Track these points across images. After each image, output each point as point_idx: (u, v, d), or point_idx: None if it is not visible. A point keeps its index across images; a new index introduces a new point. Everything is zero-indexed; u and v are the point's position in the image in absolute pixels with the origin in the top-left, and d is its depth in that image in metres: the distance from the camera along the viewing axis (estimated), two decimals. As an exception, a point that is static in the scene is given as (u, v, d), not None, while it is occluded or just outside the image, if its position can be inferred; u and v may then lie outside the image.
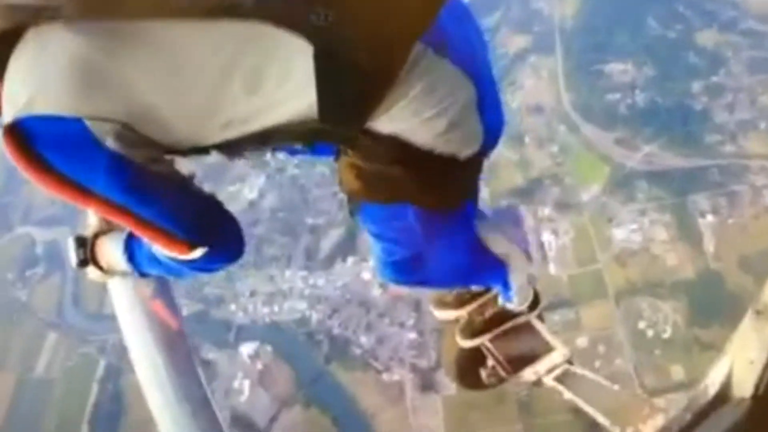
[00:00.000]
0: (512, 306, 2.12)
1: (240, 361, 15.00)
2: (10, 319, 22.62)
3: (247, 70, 1.22)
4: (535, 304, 2.23)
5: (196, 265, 1.39)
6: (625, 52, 16.24)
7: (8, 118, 1.22)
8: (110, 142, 1.22)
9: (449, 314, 2.35)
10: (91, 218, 1.71)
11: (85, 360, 18.63)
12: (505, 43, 16.61)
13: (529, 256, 1.99)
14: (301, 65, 1.20)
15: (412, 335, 13.79)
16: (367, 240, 1.67)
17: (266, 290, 15.31)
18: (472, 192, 1.63)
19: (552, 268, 13.55)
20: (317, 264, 15.26)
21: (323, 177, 16.48)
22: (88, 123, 1.20)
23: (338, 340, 14.44)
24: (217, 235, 1.37)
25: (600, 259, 13.92)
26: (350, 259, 15.03)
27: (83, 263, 1.65)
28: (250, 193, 15.44)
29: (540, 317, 2.27)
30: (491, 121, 1.43)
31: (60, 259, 23.37)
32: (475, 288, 2.24)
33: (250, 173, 15.51)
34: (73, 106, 1.20)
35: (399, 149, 1.33)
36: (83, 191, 1.24)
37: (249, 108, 1.25)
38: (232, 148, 1.34)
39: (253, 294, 15.52)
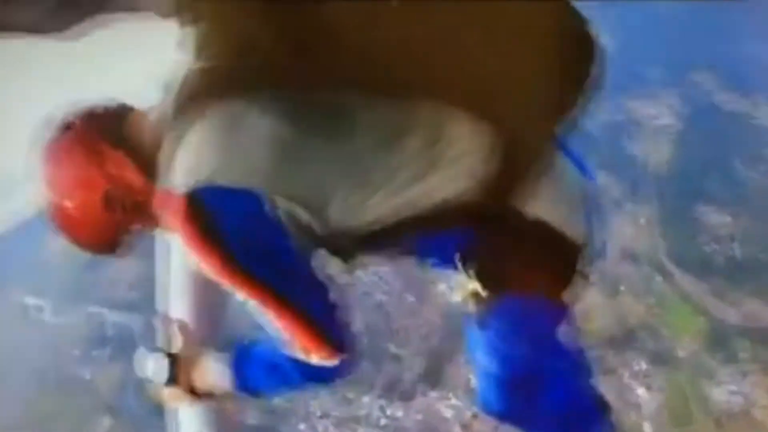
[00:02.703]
0: None
1: (302, 484, 14.61)
2: (69, 394, 22.85)
3: (425, 137, 1.33)
4: None
5: (322, 373, 1.40)
6: (720, 200, 15.93)
7: (184, 188, 1.26)
8: (284, 221, 1.28)
9: None
10: (177, 336, 1.69)
11: (138, 452, 18.40)
12: (600, 189, 16.24)
13: None
14: (477, 143, 1.31)
15: (489, 485, 13.09)
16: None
17: (340, 413, 14.87)
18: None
19: (647, 427, 12.73)
20: (397, 394, 14.72)
21: (411, 306, 16.30)
22: (265, 200, 1.27)
23: (408, 476, 13.74)
24: (354, 344, 1.40)
25: (697, 419, 13.07)
26: (432, 394, 14.43)
27: (171, 381, 1.66)
28: (335, 313, 15.38)
29: None
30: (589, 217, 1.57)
31: (129, 345, 23.75)
32: None
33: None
34: (261, 180, 1.26)
35: (542, 231, 1.52)
36: (244, 271, 1.29)
37: (417, 170, 1.34)
38: (381, 238, 1.41)
39: (325, 415, 15.10)
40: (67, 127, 1.48)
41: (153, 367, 1.72)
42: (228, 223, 1.30)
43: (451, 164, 1.40)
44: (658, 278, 14.18)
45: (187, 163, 1.31)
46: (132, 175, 1.46)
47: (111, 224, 1.51)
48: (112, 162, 1.45)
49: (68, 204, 1.47)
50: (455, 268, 1.62)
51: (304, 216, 1.35)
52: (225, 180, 1.28)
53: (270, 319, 1.38)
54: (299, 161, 1.31)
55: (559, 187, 1.57)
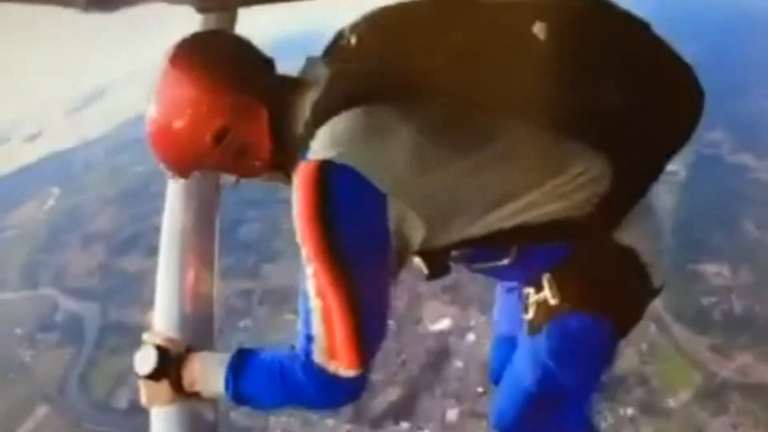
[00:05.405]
0: None
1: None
2: (5, 376, 21.13)
3: (551, 160, 1.33)
4: None
5: (335, 389, 1.29)
6: (722, 254, 15.68)
7: (321, 155, 1.25)
8: (391, 226, 1.26)
9: None
10: (166, 332, 1.57)
11: (73, 446, 16.81)
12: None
13: None
14: (597, 172, 1.35)
15: None
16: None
17: (300, 434, 13.87)
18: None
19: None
20: (366, 421, 13.82)
21: (391, 332, 15.40)
22: (387, 203, 1.24)
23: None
24: (370, 363, 1.32)
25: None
26: (404, 424, 13.65)
27: (158, 375, 1.47)
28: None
29: None
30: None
31: (78, 334, 22.26)
32: None
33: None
34: (392, 182, 1.25)
35: (629, 259, 1.45)
36: (334, 251, 1.21)
37: (541, 195, 1.33)
38: (485, 245, 1.39)
39: (284, 434, 14.08)
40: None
41: (140, 357, 1.49)
42: (344, 204, 1.24)
43: (577, 192, 1.36)
44: (652, 326, 13.70)
45: (331, 138, 1.28)
46: (257, 130, 1.40)
47: (207, 155, 1.40)
48: (247, 111, 1.39)
49: (178, 124, 1.38)
50: (536, 277, 1.52)
51: (417, 228, 1.31)
52: (362, 167, 1.24)
53: (319, 306, 1.25)
54: (430, 172, 1.29)
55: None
